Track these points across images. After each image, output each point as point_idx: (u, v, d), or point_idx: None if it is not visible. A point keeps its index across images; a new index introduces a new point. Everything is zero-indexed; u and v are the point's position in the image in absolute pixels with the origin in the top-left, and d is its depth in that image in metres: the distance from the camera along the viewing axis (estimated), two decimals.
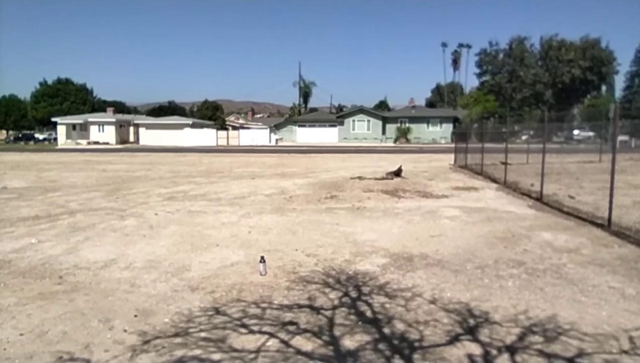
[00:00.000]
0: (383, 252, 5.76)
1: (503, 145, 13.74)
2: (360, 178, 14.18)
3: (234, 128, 60.61)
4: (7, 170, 18.06)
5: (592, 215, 7.57)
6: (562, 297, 4.24)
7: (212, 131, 53.92)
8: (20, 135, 63.00)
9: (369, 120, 55.41)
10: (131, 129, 56.86)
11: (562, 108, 43.43)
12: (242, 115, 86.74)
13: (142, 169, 19.11)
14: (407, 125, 54.95)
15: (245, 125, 64.36)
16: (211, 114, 69.31)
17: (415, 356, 3.18)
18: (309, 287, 4.54)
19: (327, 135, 54.86)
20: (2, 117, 70.65)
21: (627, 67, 59.83)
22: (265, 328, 3.59)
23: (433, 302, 4.14)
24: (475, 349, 3.26)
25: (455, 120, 52.89)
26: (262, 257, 5.01)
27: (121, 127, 55.75)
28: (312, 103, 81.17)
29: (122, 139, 54.57)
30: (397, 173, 14.46)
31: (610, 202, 6.96)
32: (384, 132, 55.04)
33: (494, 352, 3.22)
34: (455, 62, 79.66)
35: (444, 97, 76.64)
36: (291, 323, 3.70)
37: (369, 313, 3.89)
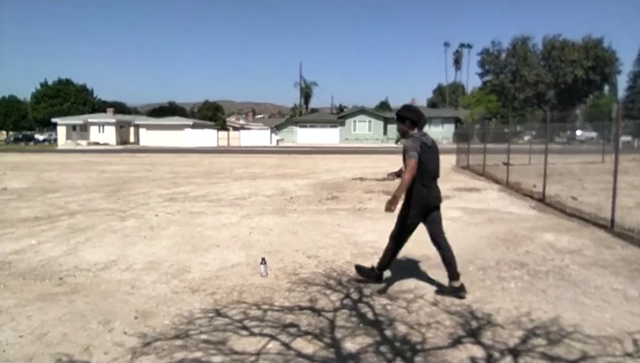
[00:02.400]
0: None
1: (505, 146, 13.71)
2: (361, 179, 14.16)
3: (235, 129, 60.67)
4: (7, 171, 18.06)
5: (595, 216, 7.53)
6: (564, 298, 4.21)
7: (213, 132, 53.96)
8: (20, 136, 63.06)
9: (370, 121, 55.41)
10: (131, 129, 56.87)
11: (564, 108, 43.39)
12: (243, 115, 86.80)
13: (143, 169, 19.11)
14: None
15: (245, 126, 64.40)
16: (212, 115, 69.37)
17: (417, 359, 3.15)
18: (310, 288, 4.51)
19: (328, 136, 54.88)
20: (2, 117, 70.72)
21: (629, 67, 59.77)
22: (266, 331, 3.57)
23: (435, 304, 4.11)
24: (478, 352, 3.23)
25: (457, 121, 52.87)
26: (263, 259, 4.98)
27: (121, 127, 55.76)
28: (313, 103, 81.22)
29: (123, 140, 54.60)
30: (399, 174, 14.36)
31: (613, 203, 6.93)
32: (385, 133, 55.03)
33: (497, 354, 3.19)
34: (457, 62, 79.58)
35: (445, 97, 76.58)
36: (292, 325, 3.67)
37: (370, 315, 3.86)
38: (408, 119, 4.36)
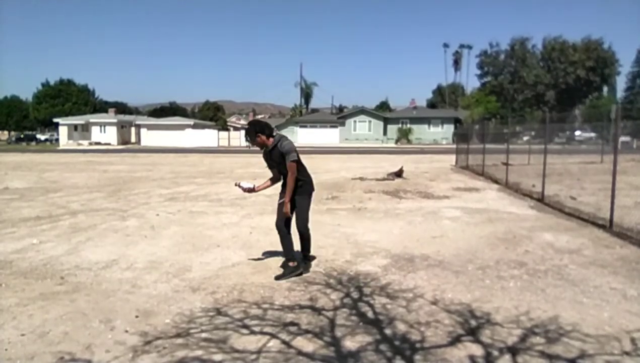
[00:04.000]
0: (384, 252, 5.76)
1: (504, 146, 13.73)
2: (361, 179, 14.18)
3: (236, 129, 60.70)
4: (9, 171, 18.09)
5: (594, 216, 7.56)
6: (563, 298, 4.23)
7: (214, 132, 53.99)
8: (22, 136, 63.02)
9: (370, 121, 55.39)
10: (133, 129, 56.95)
11: (563, 109, 43.39)
12: (244, 116, 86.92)
13: (144, 169, 19.13)
14: (408, 126, 54.92)
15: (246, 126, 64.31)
16: (212, 115, 69.50)
17: (417, 357, 3.17)
18: (310, 287, 4.54)
19: (328, 136, 54.84)
20: (4, 118, 70.76)
21: (628, 68, 59.88)
22: (266, 329, 3.59)
23: (434, 303, 4.13)
24: (477, 350, 3.25)
25: (456, 121, 52.86)
26: (237, 183, 5.42)
27: (123, 127, 55.84)
28: (313, 104, 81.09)
29: (124, 140, 54.66)
30: (399, 174, 14.46)
31: (612, 203, 6.95)
32: (385, 133, 55.03)
33: (496, 353, 3.21)
34: (457, 63, 79.45)
35: (445, 97, 76.51)
36: (292, 324, 3.69)
37: (370, 314, 3.88)
38: (260, 132, 4.76)
